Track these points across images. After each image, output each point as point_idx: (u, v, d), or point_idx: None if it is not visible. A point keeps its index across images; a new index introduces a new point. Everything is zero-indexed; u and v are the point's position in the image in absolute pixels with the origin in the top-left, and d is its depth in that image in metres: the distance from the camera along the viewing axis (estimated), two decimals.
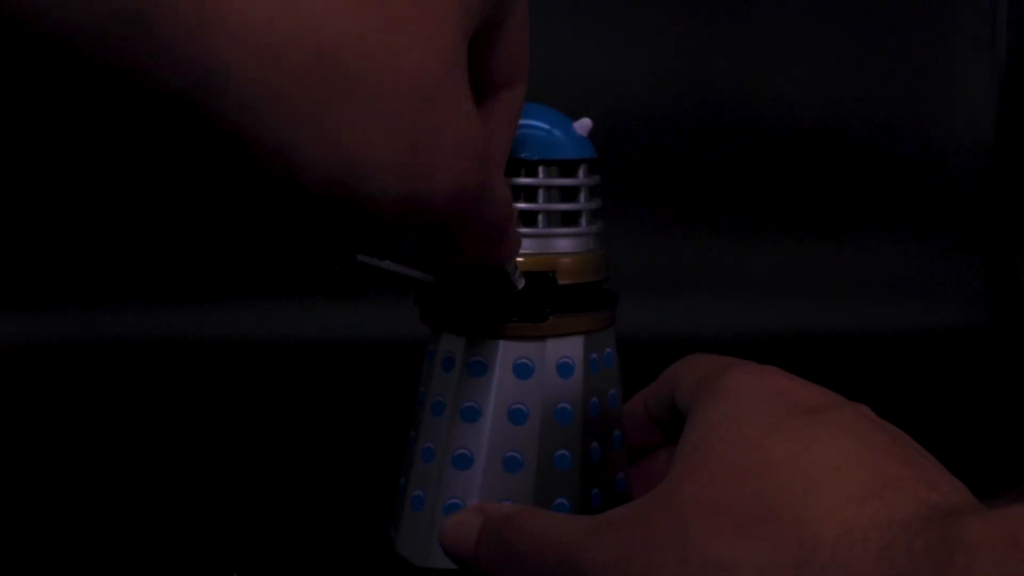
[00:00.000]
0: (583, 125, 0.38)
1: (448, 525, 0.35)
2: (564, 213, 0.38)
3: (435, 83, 0.25)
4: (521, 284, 0.36)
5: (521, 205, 0.37)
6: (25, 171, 0.70)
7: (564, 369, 0.38)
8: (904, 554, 0.24)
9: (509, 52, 0.32)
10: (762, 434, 0.29)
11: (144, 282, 0.72)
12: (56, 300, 0.71)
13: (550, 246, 0.38)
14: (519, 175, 0.37)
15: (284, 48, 0.22)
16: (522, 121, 0.37)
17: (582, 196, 0.38)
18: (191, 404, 0.60)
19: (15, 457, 0.51)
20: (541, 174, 0.37)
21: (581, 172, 0.38)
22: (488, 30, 0.30)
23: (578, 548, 0.30)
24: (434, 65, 0.25)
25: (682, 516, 0.28)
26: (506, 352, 0.37)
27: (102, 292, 0.71)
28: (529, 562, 0.31)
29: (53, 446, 0.53)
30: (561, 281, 0.37)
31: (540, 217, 0.37)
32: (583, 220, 0.38)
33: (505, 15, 0.30)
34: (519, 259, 0.37)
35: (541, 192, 0.37)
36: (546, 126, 0.38)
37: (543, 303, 0.37)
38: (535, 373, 0.37)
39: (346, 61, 0.23)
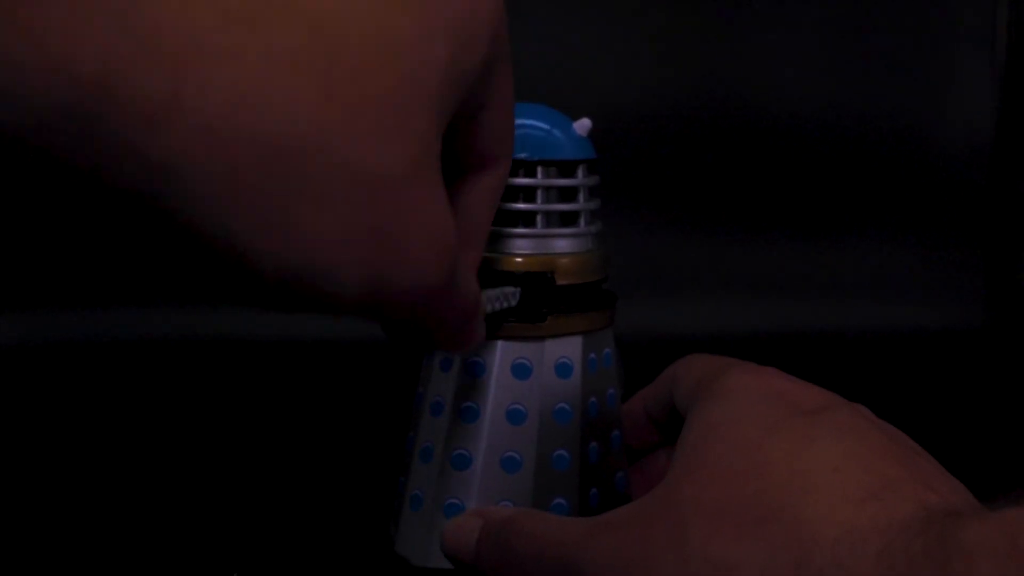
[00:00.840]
0: (582, 125, 0.38)
1: (448, 529, 0.35)
2: (563, 213, 0.38)
3: (401, 180, 0.24)
4: (515, 301, 0.36)
5: (520, 205, 0.37)
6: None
7: (562, 369, 0.38)
8: (903, 556, 0.24)
9: (492, 133, 0.30)
10: (761, 435, 0.29)
11: (144, 282, 0.72)
12: (56, 300, 0.71)
13: (549, 246, 0.38)
14: (518, 175, 0.37)
15: (237, 144, 0.21)
16: (521, 121, 0.37)
17: (581, 196, 0.38)
18: (191, 404, 0.60)
19: (15, 457, 0.51)
20: (540, 174, 0.37)
21: (580, 172, 0.38)
22: (471, 112, 0.29)
23: (577, 549, 0.30)
24: (401, 161, 0.24)
25: (681, 517, 0.28)
26: (504, 352, 0.37)
27: (102, 292, 0.71)
28: (528, 564, 0.31)
29: (53, 446, 0.53)
30: (559, 281, 0.37)
31: (539, 217, 0.37)
32: (582, 220, 0.38)
33: (488, 98, 0.29)
34: (519, 259, 0.37)
35: (540, 192, 0.37)
36: (545, 126, 0.38)
37: (541, 303, 0.37)
38: (533, 373, 0.37)
39: (304, 157, 0.22)
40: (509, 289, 0.36)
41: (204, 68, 0.21)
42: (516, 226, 0.37)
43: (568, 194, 0.38)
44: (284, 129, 0.22)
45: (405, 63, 0.24)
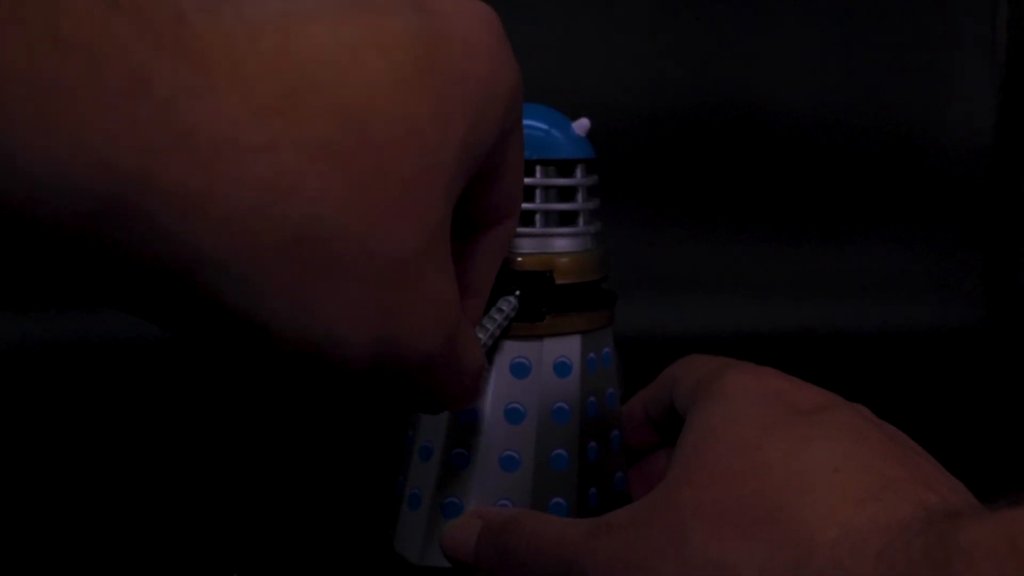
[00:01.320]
0: (581, 125, 0.38)
1: (448, 530, 0.35)
2: (562, 213, 0.38)
3: (412, 261, 0.25)
4: (513, 309, 0.36)
5: None
6: None
7: (561, 368, 0.38)
8: (903, 557, 0.24)
9: (502, 194, 0.31)
10: (759, 435, 0.29)
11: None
12: (56, 300, 0.71)
13: (548, 246, 0.38)
14: None
15: (266, 232, 0.22)
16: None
17: (580, 196, 0.38)
18: (191, 404, 0.61)
19: (15, 457, 0.51)
20: (539, 174, 0.37)
21: (579, 172, 0.38)
22: (484, 177, 0.30)
23: (577, 551, 0.30)
24: (414, 243, 0.25)
25: (680, 518, 0.28)
26: (503, 351, 0.37)
27: None
28: (528, 565, 0.31)
29: (53, 446, 0.53)
30: (558, 281, 0.37)
31: (537, 217, 0.37)
32: (581, 220, 0.38)
33: (500, 163, 0.30)
34: (518, 259, 0.37)
35: (539, 192, 0.37)
36: (544, 126, 0.38)
37: (540, 303, 0.37)
38: (532, 372, 0.37)
39: (327, 243, 0.23)
40: (506, 306, 0.36)
41: (237, 162, 0.22)
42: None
43: (567, 193, 0.38)
44: (311, 218, 0.23)
45: (424, 148, 0.25)
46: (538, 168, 0.37)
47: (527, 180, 0.37)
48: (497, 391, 0.37)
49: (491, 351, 0.37)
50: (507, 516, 0.33)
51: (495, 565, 0.33)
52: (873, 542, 0.24)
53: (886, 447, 0.28)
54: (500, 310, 0.36)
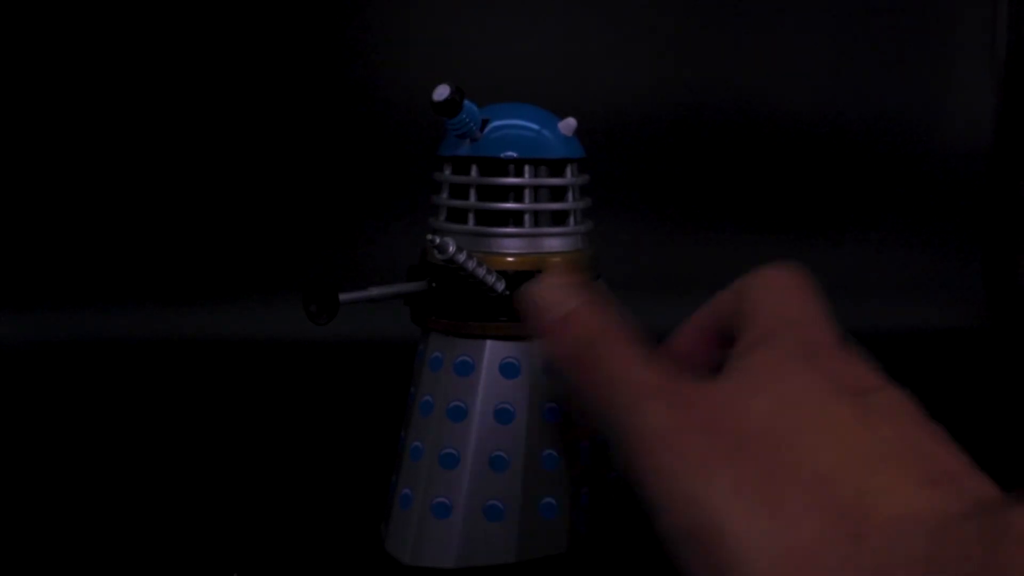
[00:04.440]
0: (567, 125, 0.38)
1: (544, 290, 0.31)
2: (552, 212, 0.38)
3: None
4: (501, 287, 0.36)
5: (509, 205, 0.37)
6: (25, 171, 0.71)
7: (552, 368, 0.38)
8: (954, 537, 0.24)
9: None
10: (816, 408, 0.28)
11: (144, 282, 0.72)
12: (56, 300, 0.71)
13: (538, 245, 0.38)
14: (507, 174, 0.37)
15: None
16: (509, 121, 0.37)
17: (570, 195, 0.38)
18: (189, 404, 0.61)
19: (15, 456, 0.51)
20: (528, 173, 0.37)
21: (569, 171, 0.38)
22: None
23: (630, 414, 0.27)
24: None
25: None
26: (493, 352, 0.37)
27: (102, 292, 0.72)
28: (596, 382, 0.28)
29: (53, 446, 0.54)
30: None
31: (527, 216, 0.37)
32: (571, 219, 0.38)
33: None
34: (508, 259, 0.37)
35: (528, 192, 0.37)
36: (535, 126, 0.38)
37: None
38: (522, 372, 0.37)
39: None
40: (486, 271, 0.36)
41: None
42: (506, 225, 0.37)
43: (557, 193, 0.38)
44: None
45: None
46: (527, 168, 0.37)
47: (517, 180, 0.37)
48: (487, 391, 0.37)
49: (479, 351, 0.37)
50: (600, 327, 0.30)
51: (567, 354, 0.29)
52: (928, 524, 0.24)
53: (941, 435, 0.28)
54: (492, 271, 0.36)
